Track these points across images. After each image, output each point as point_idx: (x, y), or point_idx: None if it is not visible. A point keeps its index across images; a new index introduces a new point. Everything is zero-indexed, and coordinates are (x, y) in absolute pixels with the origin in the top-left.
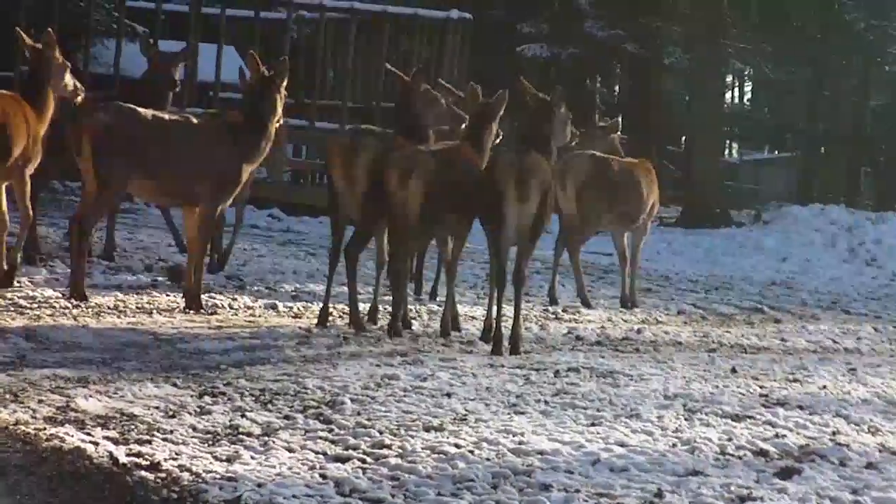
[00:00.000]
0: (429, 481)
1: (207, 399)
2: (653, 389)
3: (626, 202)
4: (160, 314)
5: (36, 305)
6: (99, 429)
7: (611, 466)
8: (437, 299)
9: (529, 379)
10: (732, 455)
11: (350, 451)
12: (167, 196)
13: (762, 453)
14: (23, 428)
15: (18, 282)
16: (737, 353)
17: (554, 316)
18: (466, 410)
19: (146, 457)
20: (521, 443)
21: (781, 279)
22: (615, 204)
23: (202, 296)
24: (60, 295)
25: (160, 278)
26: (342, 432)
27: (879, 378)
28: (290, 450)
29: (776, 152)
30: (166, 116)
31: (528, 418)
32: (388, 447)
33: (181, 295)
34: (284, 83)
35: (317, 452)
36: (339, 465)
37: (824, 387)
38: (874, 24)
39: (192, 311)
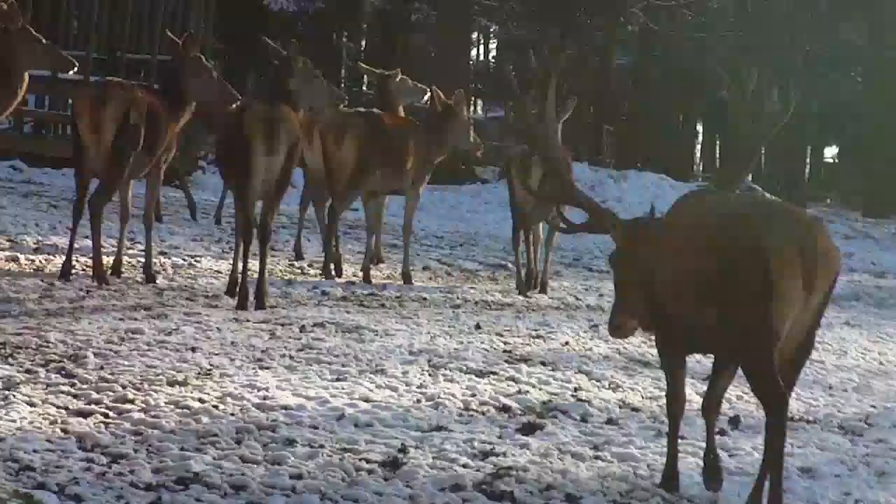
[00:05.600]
0: (172, 436)
1: None
2: (398, 345)
3: None
4: None
5: None
6: None
7: (355, 422)
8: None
9: (275, 334)
10: (476, 411)
11: (93, 406)
12: None
13: (505, 409)
14: None
15: None
16: (481, 310)
17: (300, 271)
18: (211, 365)
19: None
20: (265, 398)
21: None
22: None
23: None
24: None
25: None
26: (85, 387)
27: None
28: (32, 404)
29: None
30: None
31: (272, 373)
32: (132, 402)
33: None
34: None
35: (59, 407)
36: (81, 419)
37: (566, 343)
38: None
39: None
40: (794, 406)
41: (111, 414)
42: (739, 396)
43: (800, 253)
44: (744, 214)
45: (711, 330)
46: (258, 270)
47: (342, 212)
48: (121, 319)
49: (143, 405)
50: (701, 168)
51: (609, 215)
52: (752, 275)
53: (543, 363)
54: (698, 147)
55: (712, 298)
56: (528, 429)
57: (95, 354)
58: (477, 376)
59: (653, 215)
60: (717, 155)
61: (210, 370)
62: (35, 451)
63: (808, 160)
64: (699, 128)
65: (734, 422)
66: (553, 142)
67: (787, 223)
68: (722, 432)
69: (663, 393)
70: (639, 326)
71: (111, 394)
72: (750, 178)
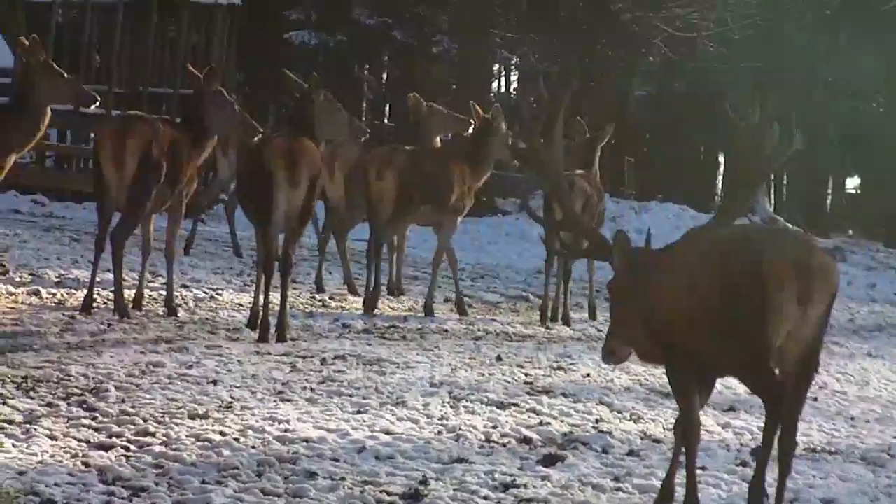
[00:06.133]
0: (193, 469)
1: None
2: (419, 377)
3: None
4: None
5: None
6: None
7: (376, 454)
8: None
9: (296, 366)
10: (497, 442)
11: (114, 439)
12: None
13: (526, 441)
14: None
15: None
16: (502, 342)
17: (321, 304)
18: (232, 398)
19: None
20: (286, 430)
21: None
22: None
23: None
24: None
25: None
26: (106, 420)
27: (642, 366)
28: (53, 438)
29: None
30: None
31: (294, 406)
32: (153, 435)
33: None
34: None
35: (80, 440)
36: (102, 452)
37: (588, 375)
38: (640, 15)
39: None
40: (816, 437)
41: (132, 447)
42: (761, 427)
43: (795, 269)
44: (742, 237)
45: (716, 352)
46: (279, 303)
47: (383, 245)
48: (142, 353)
49: (165, 438)
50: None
51: (608, 243)
52: (749, 290)
53: (565, 395)
54: (720, 178)
55: (714, 322)
56: (550, 460)
57: (117, 388)
58: (498, 408)
59: (648, 244)
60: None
61: (231, 403)
62: (56, 484)
63: (829, 190)
64: (720, 159)
65: (756, 453)
66: (558, 166)
67: (782, 242)
68: (744, 463)
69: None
70: (637, 354)
71: (132, 427)
72: (772, 208)
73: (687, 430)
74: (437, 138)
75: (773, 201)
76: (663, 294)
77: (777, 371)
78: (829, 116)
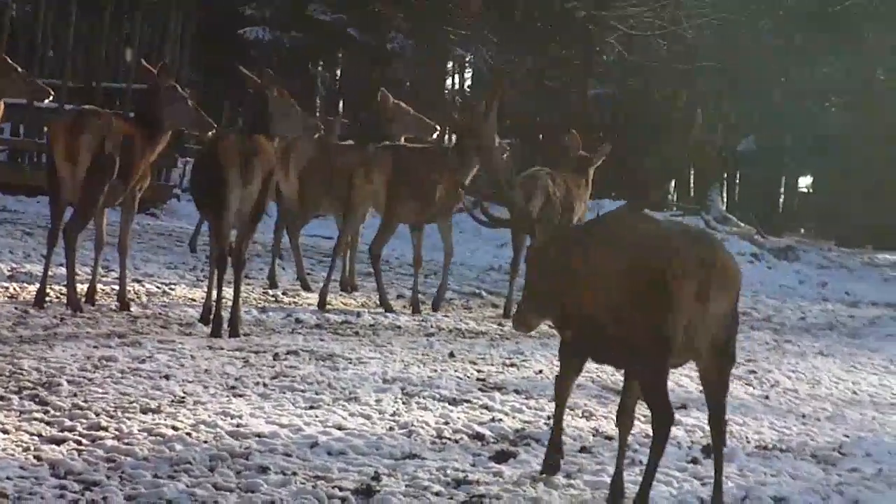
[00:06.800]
0: (145, 463)
1: None
2: (371, 373)
3: (344, 186)
4: None
5: None
6: None
7: (329, 449)
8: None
9: (248, 361)
10: (449, 439)
11: (66, 433)
12: None
13: (478, 437)
14: None
15: None
16: (455, 338)
17: (274, 299)
18: (185, 393)
19: None
20: (239, 425)
21: (499, 264)
22: (334, 188)
23: None
24: None
25: None
26: (58, 414)
27: (594, 364)
28: (5, 431)
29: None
30: None
31: (246, 401)
32: (105, 429)
33: None
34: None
35: (32, 434)
36: (54, 446)
37: (540, 371)
38: (593, 13)
39: None
40: (768, 435)
41: (84, 441)
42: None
43: (697, 266)
44: (646, 233)
45: (612, 340)
46: (232, 298)
47: (384, 244)
48: (95, 347)
49: (117, 432)
50: (675, 198)
51: (529, 215)
52: (652, 287)
53: (517, 391)
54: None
55: (615, 309)
56: (502, 457)
57: (69, 382)
58: (450, 404)
59: (565, 221)
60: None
61: (184, 398)
62: (8, 478)
63: (782, 190)
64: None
65: (707, 450)
66: (490, 140)
67: (685, 240)
68: (695, 461)
69: (639, 422)
70: (553, 324)
71: (84, 421)
72: (724, 206)
73: (559, 387)
74: (403, 138)
75: (725, 200)
76: (575, 273)
77: (688, 364)
78: (784, 117)
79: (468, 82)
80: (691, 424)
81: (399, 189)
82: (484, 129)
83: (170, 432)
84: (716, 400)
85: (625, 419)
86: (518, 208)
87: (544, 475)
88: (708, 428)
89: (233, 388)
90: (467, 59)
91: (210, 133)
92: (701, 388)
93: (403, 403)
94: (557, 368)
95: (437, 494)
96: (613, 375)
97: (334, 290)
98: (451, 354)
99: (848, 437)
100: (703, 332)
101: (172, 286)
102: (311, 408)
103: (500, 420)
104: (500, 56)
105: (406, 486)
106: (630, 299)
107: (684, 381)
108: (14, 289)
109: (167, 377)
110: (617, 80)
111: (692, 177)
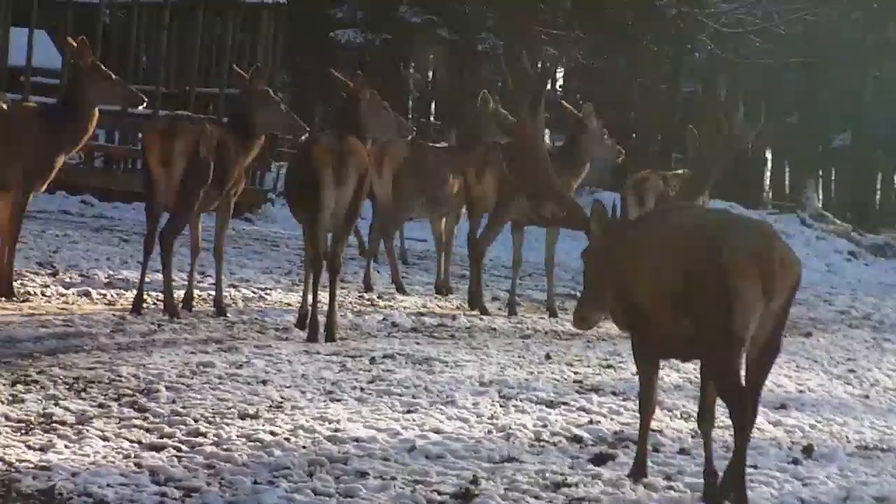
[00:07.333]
0: (245, 469)
1: (20, 387)
2: (468, 376)
3: (438, 188)
4: None
5: None
6: None
7: (427, 453)
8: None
9: (345, 366)
10: (547, 441)
11: (165, 440)
12: None
13: (577, 439)
14: None
15: None
16: (551, 340)
17: (369, 303)
18: (282, 398)
19: None
20: (336, 430)
21: None
22: (428, 189)
23: (14, 283)
24: None
25: None
26: (157, 420)
27: (691, 364)
28: (105, 438)
29: None
30: None
31: (343, 405)
32: (204, 435)
33: None
34: (101, 69)
35: (131, 441)
36: (153, 453)
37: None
38: (685, 11)
39: (2, 299)
40: (868, 434)
41: (184, 447)
42: (813, 425)
43: (757, 261)
44: (702, 226)
45: (682, 337)
46: (328, 302)
47: (489, 244)
48: (192, 353)
49: (216, 438)
50: (770, 195)
51: (584, 212)
52: (713, 284)
53: (614, 393)
54: (767, 174)
55: (680, 305)
56: (600, 459)
57: (167, 388)
58: (548, 407)
59: (614, 215)
60: (787, 181)
61: (281, 403)
62: (109, 485)
63: (878, 187)
64: (768, 155)
65: (807, 451)
66: (540, 139)
67: (743, 234)
68: (795, 461)
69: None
70: (614, 323)
71: (183, 427)
72: (820, 204)
73: (643, 403)
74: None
75: (821, 197)
76: (632, 268)
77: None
78: (878, 111)
79: (560, 82)
80: (791, 425)
81: (510, 189)
82: (531, 127)
83: (268, 438)
84: (751, 387)
85: (705, 419)
86: (571, 207)
87: (633, 478)
88: (808, 428)
89: (330, 392)
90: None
91: (303, 136)
92: (799, 388)
93: (501, 406)
94: (639, 386)
95: (536, 497)
96: None
97: (429, 293)
98: (548, 356)
99: None
100: (762, 324)
101: (268, 291)
102: (409, 412)
103: (598, 422)
104: (591, 54)
105: (505, 489)
106: (689, 294)
107: (783, 380)
108: (112, 295)
109: (265, 382)
110: (707, 78)
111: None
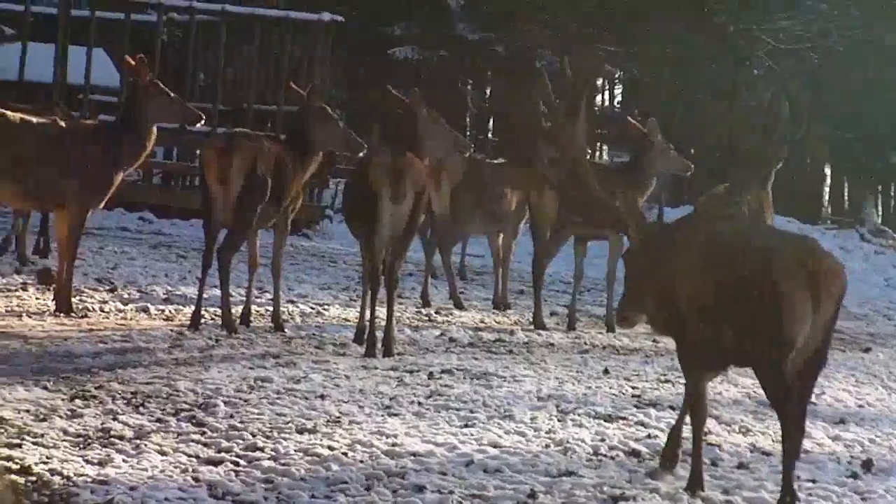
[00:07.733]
0: (302, 484)
1: (79, 402)
2: (526, 391)
3: (495, 203)
4: (30, 317)
5: None
6: None
7: (484, 467)
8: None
9: (403, 381)
10: (605, 455)
11: (223, 454)
12: (31, 200)
13: (635, 454)
14: None
15: None
16: (609, 355)
17: (427, 318)
18: (340, 412)
19: (16, 460)
20: (394, 444)
21: None
22: (485, 205)
23: (73, 299)
24: None
25: (30, 281)
26: (215, 435)
27: (750, 378)
28: (163, 453)
29: None
30: (34, 119)
31: (401, 420)
32: (261, 450)
33: (52, 298)
34: (159, 87)
35: (189, 455)
36: (211, 467)
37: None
38: (742, 27)
39: (62, 314)
40: None
41: (241, 462)
42: (872, 440)
43: (805, 273)
44: (749, 236)
45: (726, 345)
46: (386, 318)
47: (548, 263)
48: (250, 368)
49: (273, 453)
50: (829, 210)
51: (623, 216)
52: (763, 292)
53: (672, 407)
54: (826, 189)
55: (724, 313)
56: (658, 473)
57: (225, 403)
58: (605, 421)
59: (660, 221)
60: (846, 196)
61: (339, 417)
62: (167, 499)
63: None
64: (827, 170)
65: (866, 465)
66: (579, 143)
67: (790, 243)
68: (854, 475)
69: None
70: (651, 327)
71: (241, 442)
72: (878, 219)
73: (694, 414)
74: None
75: (880, 212)
76: (673, 274)
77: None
78: None
79: (618, 98)
80: (850, 439)
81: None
82: (571, 131)
83: (326, 452)
84: (799, 397)
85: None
86: (611, 211)
87: (691, 492)
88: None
89: (388, 407)
90: (617, 74)
91: (361, 153)
92: (859, 403)
93: (558, 420)
94: (687, 395)
95: None
96: None
97: (486, 309)
98: (606, 371)
99: None
100: (811, 333)
101: (326, 306)
102: (466, 426)
103: (656, 437)
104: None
105: (562, 503)
106: (736, 302)
107: (843, 395)
108: (170, 311)
109: (322, 397)
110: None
111: (846, 190)
